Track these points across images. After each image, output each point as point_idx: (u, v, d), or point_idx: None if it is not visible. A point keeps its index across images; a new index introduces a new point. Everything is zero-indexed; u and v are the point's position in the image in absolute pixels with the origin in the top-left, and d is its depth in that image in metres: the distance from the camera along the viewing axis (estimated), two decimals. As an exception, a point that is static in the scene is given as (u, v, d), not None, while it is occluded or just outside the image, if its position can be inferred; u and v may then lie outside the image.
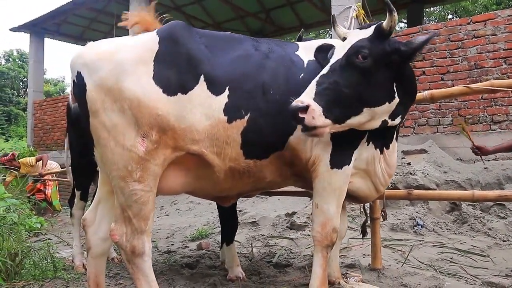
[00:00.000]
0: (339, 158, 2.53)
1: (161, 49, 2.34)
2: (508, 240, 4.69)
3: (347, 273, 3.25)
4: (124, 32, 11.76)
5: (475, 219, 5.08)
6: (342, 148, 2.54)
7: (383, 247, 4.01)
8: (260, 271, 3.61)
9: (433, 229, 5.02)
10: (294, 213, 5.46)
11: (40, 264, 3.79)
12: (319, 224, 2.56)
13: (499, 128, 5.99)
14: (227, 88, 2.40)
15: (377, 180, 2.75)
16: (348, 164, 2.56)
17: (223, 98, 2.39)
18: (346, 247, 4.38)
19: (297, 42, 2.89)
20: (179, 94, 2.31)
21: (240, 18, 13.89)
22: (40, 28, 13.08)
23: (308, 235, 4.90)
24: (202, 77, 2.37)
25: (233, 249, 3.62)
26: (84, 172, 4.23)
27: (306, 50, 2.73)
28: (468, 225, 5.04)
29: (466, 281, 3.34)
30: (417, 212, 5.31)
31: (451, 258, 4.05)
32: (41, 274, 3.62)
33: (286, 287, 3.16)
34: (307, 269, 3.59)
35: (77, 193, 4.29)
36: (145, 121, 2.25)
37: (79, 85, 2.34)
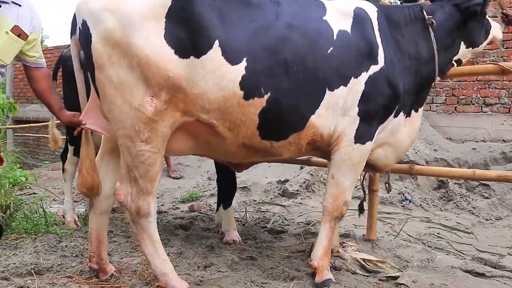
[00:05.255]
0: (364, 134, 2.49)
1: (174, 5, 2.10)
2: (491, 219, 4.87)
3: (344, 243, 3.32)
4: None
5: (460, 197, 5.25)
6: (369, 123, 2.49)
7: (374, 219, 4.10)
8: (255, 236, 3.65)
9: (420, 204, 5.16)
10: (286, 180, 5.50)
11: (32, 218, 3.72)
12: (331, 196, 2.56)
13: (490, 110, 6.10)
14: (245, 59, 2.16)
15: (399, 147, 2.77)
16: (371, 140, 2.54)
17: (240, 69, 2.15)
18: (338, 217, 4.46)
19: (325, 1, 2.56)
20: (191, 57, 2.11)
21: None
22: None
23: (300, 203, 4.97)
24: (216, 42, 2.13)
25: (231, 212, 3.63)
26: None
27: (336, 14, 2.48)
28: (454, 202, 5.20)
29: (455, 255, 3.47)
30: (405, 187, 5.44)
31: (438, 234, 4.17)
32: (33, 228, 3.54)
33: (283, 253, 3.21)
34: (302, 236, 3.65)
35: (71, 148, 4.17)
36: (154, 82, 2.09)
37: (85, 34, 2.18)
